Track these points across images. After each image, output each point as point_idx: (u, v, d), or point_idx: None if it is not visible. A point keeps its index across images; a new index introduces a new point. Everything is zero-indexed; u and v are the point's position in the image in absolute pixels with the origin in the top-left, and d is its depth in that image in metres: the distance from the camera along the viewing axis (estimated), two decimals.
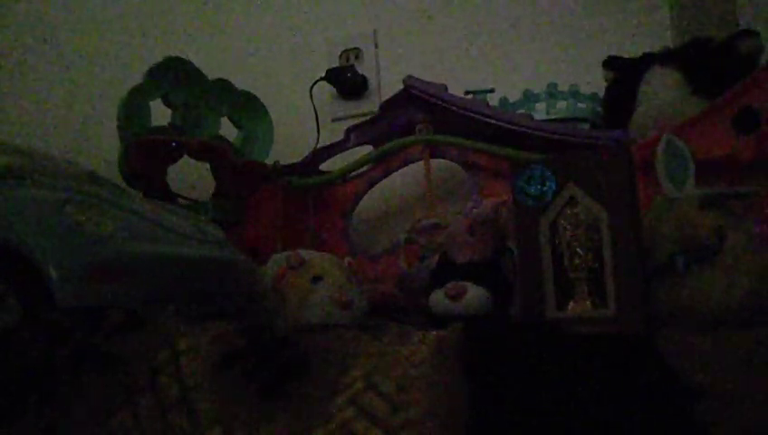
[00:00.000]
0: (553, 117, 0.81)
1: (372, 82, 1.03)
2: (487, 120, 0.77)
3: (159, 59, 0.81)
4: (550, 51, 0.95)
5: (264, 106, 0.92)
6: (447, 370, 0.31)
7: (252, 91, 0.92)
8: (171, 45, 1.08)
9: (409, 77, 0.81)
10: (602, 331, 0.38)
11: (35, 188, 0.42)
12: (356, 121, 0.87)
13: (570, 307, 0.40)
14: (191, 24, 1.17)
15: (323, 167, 0.90)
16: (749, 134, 0.55)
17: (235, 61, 1.11)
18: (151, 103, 0.81)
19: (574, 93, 0.82)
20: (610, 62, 0.74)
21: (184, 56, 0.83)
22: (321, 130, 0.92)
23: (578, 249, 0.41)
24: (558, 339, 0.35)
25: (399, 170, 0.86)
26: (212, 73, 0.87)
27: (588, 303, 0.40)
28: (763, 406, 0.28)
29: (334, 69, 1.00)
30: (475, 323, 0.45)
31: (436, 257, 0.58)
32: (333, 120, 1.03)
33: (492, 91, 0.83)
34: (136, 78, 0.80)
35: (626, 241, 0.39)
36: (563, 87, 0.83)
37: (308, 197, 0.88)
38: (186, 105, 0.83)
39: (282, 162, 0.88)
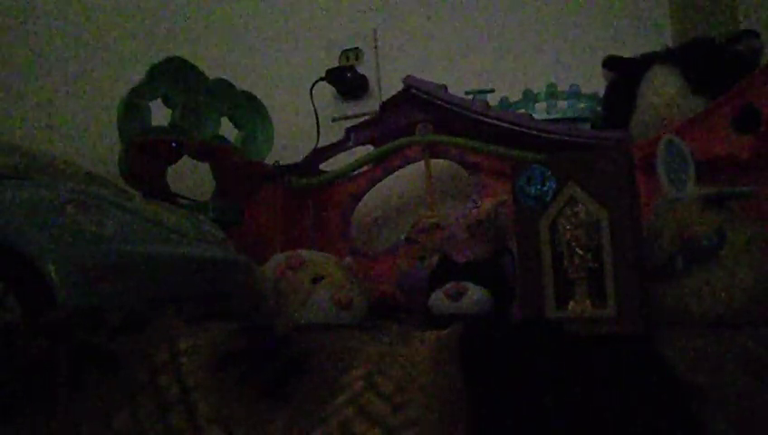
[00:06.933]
0: (553, 117, 0.81)
1: (372, 82, 1.03)
2: (487, 120, 0.77)
3: (159, 59, 0.81)
4: (550, 51, 0.95)
5: (264, 106, 0.92)
6: (447, 370, 0.31)
7: (252, 91, 0.92)
8: (171, 45, 1.09)
9: (409, 77, 0.81)
10: (602, 331, 0.38)
11: (35, 188, 0.42)
12: (356, 121, 0.87)
13: (570, 307, 0.40)
14: (191, 23, 1.17)
15: (323, 167, 0.90)
16: (749, 134, 0.55)
17: (235, 61, 1.11)
18: (151, 103, 0.81)
19: (574, 93, 0.82)
20: (610, 62, 0.74)
21: (184, 56, 0.83)
22: (321, 130, 0.93)
23: (578, 249, 0.40)
24: (558, 339, 0.34)
25: (399, 170, 0.86)
26: (212, 73, 0.87)
27: (588, 303, 0.40)
28: (763, 406, 0.28)
29: (334, 69, 1.00)
30: (475, 323, 0.45)
31: (436, 257, 0.58)
32: (333, 120, 1.03)
33: (492, 91, 0.83)
34: (136, 78, 0.80)
35: (626, 241, 0.39)
36: (563, 87, 0.83)
37: (308, 197, 0.88)
38: (186, 105, 0.83)
39: (282, 162, 0.88)
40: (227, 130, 0.90)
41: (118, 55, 1.20)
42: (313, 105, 0.94)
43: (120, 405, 0.32)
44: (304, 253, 0.59)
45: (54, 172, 0.48)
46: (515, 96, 0.85)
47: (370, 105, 1.01)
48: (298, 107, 1.00)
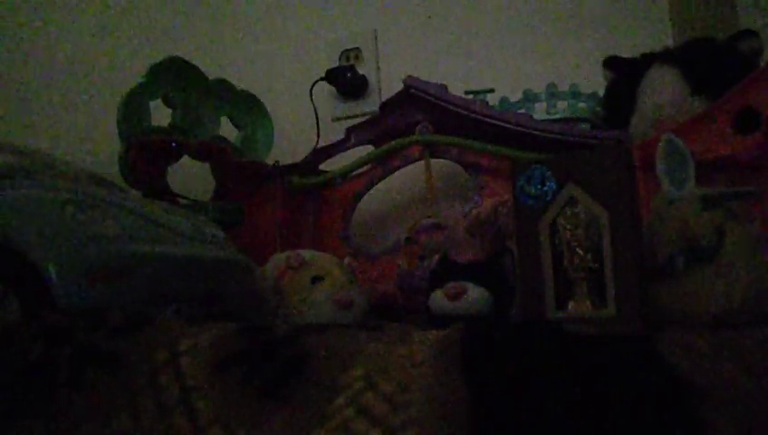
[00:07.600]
0: (553, 117, 0.81)
1: (372, 82, 1.03)
2: (487, 120, 0.77)
3: (159, 59, 0.81)
4: (550, 51, 0.95)
5: (264, 106, 0.92)
6: (447, 370, 0.31)
7: (252, 91, 0.92)
8: (171, 45, 1.09)
9: (409, 77, 0.81)
10: (602, 331, 0.38)
11: (35, 188, 0.42)
12: (356, 121, 0.87)
13: (570, 307, 0.41)
14: (191, 24, 1.17)
15: (323, 167, 0.90)
16: (749, 134, 0.55)
17: (235, 61, 1.11)
18: (151, 103, 0.81)
19: (574, 93, 0.82)
20: (610, 62, 0.74)
21: (184, 56, 0.83)
22: (321, 130, 0.93)
23: (578, 249, 0.41)
24: (558, 339, 0.34)
25: (399, 170, 0.86)
26: (212, 73, 0.87)
27: (588, 303, 0.40)
28: (763, 406, 0.28)
29: (334, 69, 1.00)
30: (475, 323, 0.45)
31: (436, 257, 0.58)
32: (333, 120, 1.03)
33: (492, 91, 0.83)
34: (136, 78, 0.80)
35: (626, 241, 0.39)
36: (563, 87, 0.83)
37: (308, 197, 0.88)
38: (186, 105, 0.83)
39: (282, 162, 0.88)
40: (227, 130, 0.90)
41: (118, 55, 1.20)
42: (313, 105, 0.94)
43: (120, 405, 0.32)
44: (304, 253, 0.59)
45: (54, 172, 0.48)
46: (515, 96, 0.85)
47: (370, 105, 1.00)
48: (298, 107, 1.00)
